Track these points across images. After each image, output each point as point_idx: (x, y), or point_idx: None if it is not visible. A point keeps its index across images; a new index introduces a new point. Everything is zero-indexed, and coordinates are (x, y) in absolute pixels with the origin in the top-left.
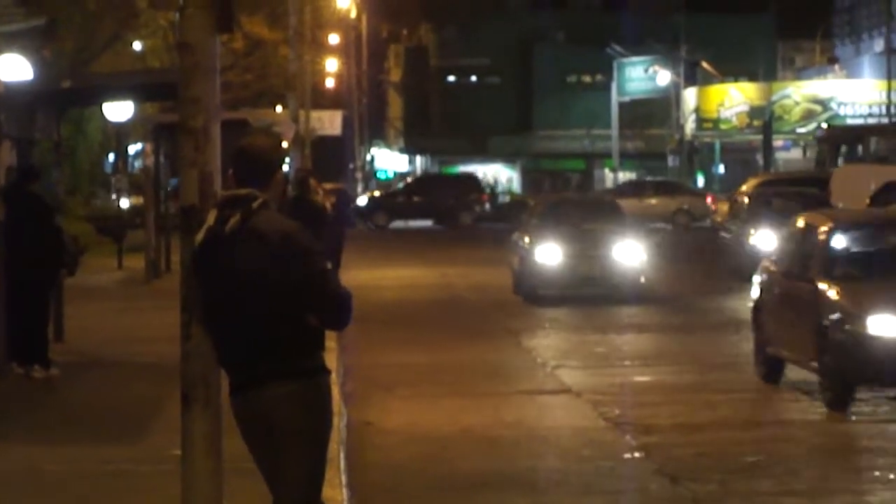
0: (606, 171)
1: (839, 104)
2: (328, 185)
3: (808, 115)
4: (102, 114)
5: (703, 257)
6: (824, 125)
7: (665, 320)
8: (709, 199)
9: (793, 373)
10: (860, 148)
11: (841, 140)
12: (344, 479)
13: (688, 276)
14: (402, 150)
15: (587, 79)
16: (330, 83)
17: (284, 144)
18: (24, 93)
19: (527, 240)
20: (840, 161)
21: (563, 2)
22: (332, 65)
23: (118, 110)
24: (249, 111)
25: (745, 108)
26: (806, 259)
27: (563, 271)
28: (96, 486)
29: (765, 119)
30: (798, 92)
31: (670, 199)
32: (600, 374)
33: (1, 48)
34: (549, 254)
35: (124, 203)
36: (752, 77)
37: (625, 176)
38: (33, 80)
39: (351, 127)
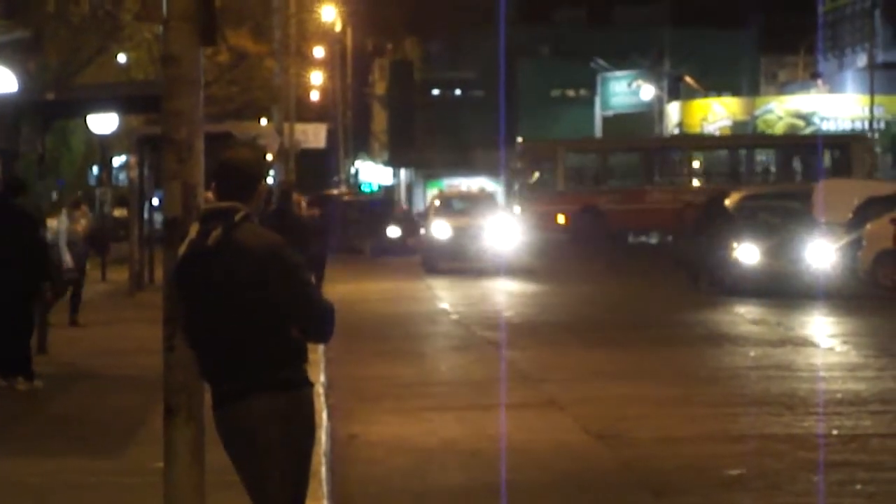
0: None
1: (822, 119)
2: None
3: (792, 130)
4: (87, 126)
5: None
6: (520, 139)
7: (647, 334)
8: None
9: (776, 386)
10: (554, 162)
11: (537, 154)
12: (327, 491)
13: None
14: (386, 163)
15: (571, 93)
16: (315, 96)
17: (269, 157)
18: (9, 105)
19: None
20: (537, 175)
21: (547, 16)
22: (316, 78)
23: (103, 122)
24: (234, 124)
25: (728, 122)
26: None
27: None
28: (79, 499)
29: (748, 133)
30: (781, 107)
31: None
32: (583, 387)
33: None
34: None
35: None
36: (735, 92)
37: None
38: (18, 93)
39: (335, 140)
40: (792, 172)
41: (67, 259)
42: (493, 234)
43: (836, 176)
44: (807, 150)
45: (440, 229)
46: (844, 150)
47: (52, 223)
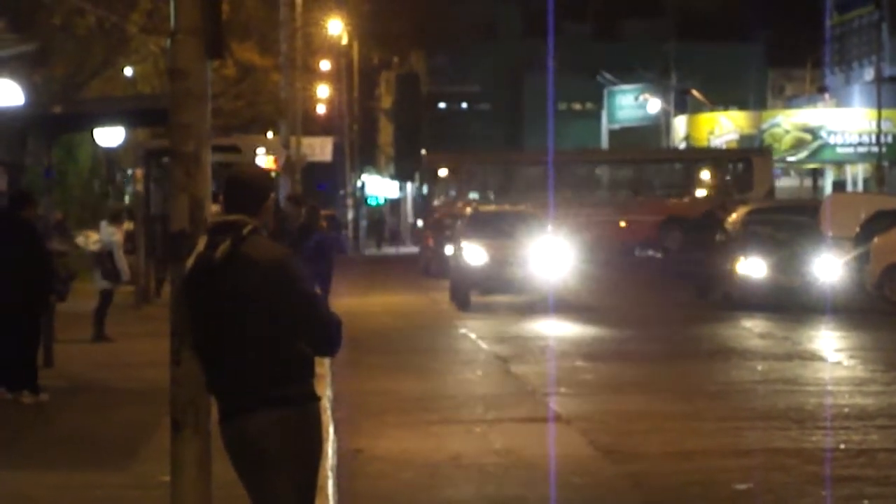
0: None
1: (829, 133)
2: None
3: (799, 144)
4: (93, 139)
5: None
6: (423, 151)
7: (654, 347)
8: None
9: (784, 401)
10: (462, 173)
11: (442, 165)
12: None
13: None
14: (392, 177)
15: (578, 106)
16: (321, 110)
17: (273, 174)
18: (15, 118)
19: None
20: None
21: (554, 30)
22: (323, 91)
23: (109, 136)
24: (240, 137)
25: (735, 136)
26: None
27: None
28: None
29: (755, 147)
30: (788, 120)
31: None
32: (590, 402)
33: None
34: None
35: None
36: (742, 105)
37: None
38: (24, 106)
39: (342, 153)
40: (694, 187)
41: (126, 269)
42: (538, 261)
43: (739, 191)
44: (709, 164)
45: (473, 254)
46: (747, 164)
47: (93, 235)
